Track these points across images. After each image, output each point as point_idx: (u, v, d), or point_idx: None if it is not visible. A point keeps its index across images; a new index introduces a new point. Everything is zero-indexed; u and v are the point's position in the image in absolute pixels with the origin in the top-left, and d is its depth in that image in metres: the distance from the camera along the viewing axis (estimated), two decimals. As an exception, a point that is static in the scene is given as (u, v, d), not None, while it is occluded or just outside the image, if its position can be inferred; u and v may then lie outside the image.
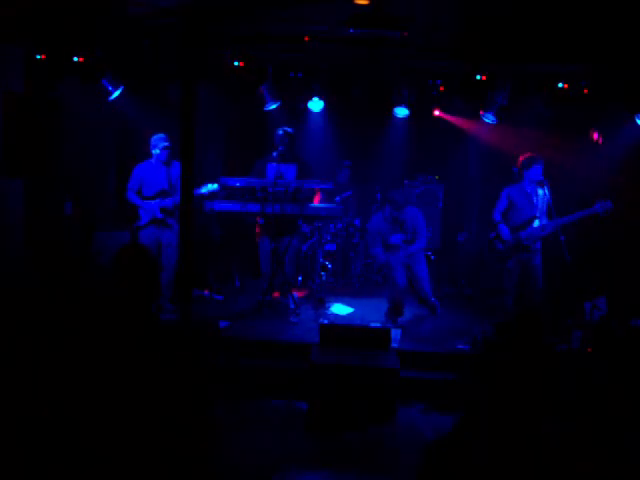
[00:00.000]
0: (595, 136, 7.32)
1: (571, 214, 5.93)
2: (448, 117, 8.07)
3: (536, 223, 6.15)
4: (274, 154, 6.45)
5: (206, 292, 7.18)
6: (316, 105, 7.32)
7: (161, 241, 6.34)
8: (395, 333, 5.78)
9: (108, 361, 2.42)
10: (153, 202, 6.32)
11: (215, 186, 6.30)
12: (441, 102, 7.57)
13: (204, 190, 6.28)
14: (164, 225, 6.34)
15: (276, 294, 6.76)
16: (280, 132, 6.49)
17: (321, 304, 6.89)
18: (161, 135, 6.35)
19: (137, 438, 2.37)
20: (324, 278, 7.47)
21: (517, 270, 6.29)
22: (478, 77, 6.43)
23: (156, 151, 6.31)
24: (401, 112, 7.31)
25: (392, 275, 6.43)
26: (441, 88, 6.92)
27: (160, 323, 2.61)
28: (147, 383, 2.43)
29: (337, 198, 7.83)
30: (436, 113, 7.98)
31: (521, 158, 6.24)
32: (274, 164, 6.36)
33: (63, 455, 2.34)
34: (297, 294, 6.89)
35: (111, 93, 6.79)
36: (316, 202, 6.38)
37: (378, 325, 5.94)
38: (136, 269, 2.55)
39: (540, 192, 6.16)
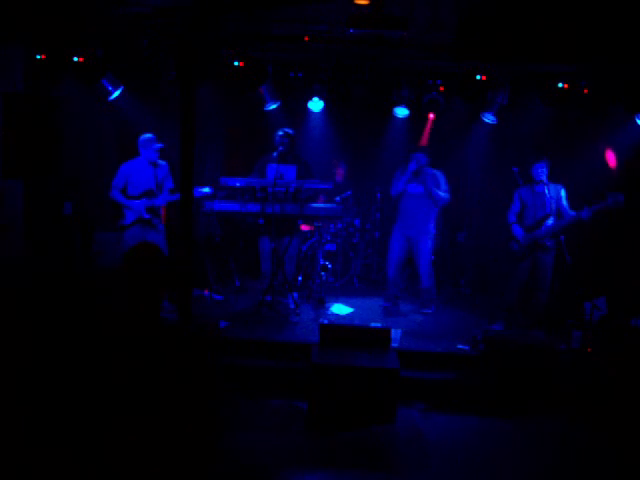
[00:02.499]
0: (610, 158, 7.25)
1: (582, 210, 5.91)
2: (426, 131, 8.25)
3: (550, 221, 6.13)
4: (274, 154, 6.45)
5: (206, 292, 7.18)
6: (316, 105, 7.32)
7: (146, 241, 6.22)
8: (395, 333, 5.79)
9: (111, 361, 2.42)
10: (139, 202, 6.20)
11: (207, 190, 6.25)
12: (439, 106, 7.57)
13: (196, 194, 6.21)
14: (150, 226, 6.23)
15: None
16: (280, 133, 6.49)
17: (321, 304, 6.90)
18: (151, 136, 6.22)
19: (141, 437, 2.37)
20: (324, 278, 7.47)
21: (529, 269, 6.27)
22: (478, 77, 6.43)
23: (147, 151, 6.18)
24: (401, 112, 7.32)
25: (389, 245, 6.98)
26: (441, 88, 6.92)
27: (164, 323, 2.61)
28: (150, 383, 2.43)
29: (337, 198, 7.84)
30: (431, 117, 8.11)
31: (528, 159, 6.29)
32: (274, 165, 6.36)
33: (66, 454, 2.34)
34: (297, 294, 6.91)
35: (111, 93, 6.79)
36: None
37: (378, 325, 5.95)
38: (149, 268, 2.54)
39: (553, 191, 6.14)
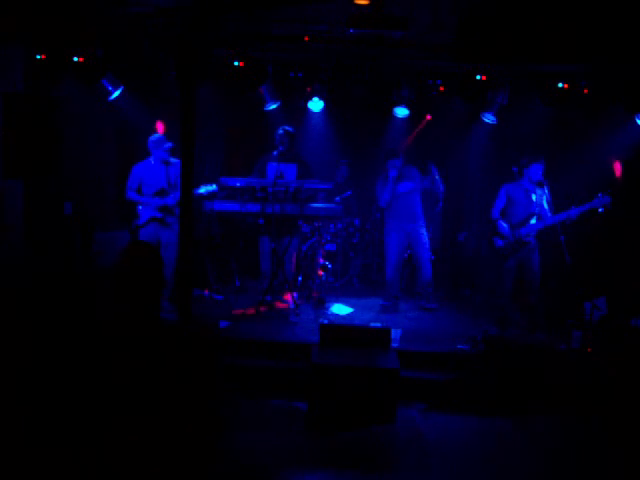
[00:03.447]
0: (617, 168, 7.25)
1: (569, 209, 5.93)
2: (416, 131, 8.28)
3: (534, 220, 6.16)
4: (274, 153, 6.46)
5: (206, 292, 7.18)
6: (316, 105, 7.32)
7: (160, 240, 6.29)
8: (395, 333, 5.79)
9: (111, 361, 2.42)
10: (152, 201, 6.27)
11: (213, 187, 6.31)
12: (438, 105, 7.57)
13: (202, 190, 6.27)
14: (163, 224, 6.30)
15: (278, 304, 6.78)
16: (280, 131, 6.50)
17: (321, 304, 6.89)
18: (161, 136, 6.32)
19: (141, 437, 2.37)
20: (324, 278, 7.47)
21: (515, 269, 6.30)
22: (478, 77, 6.43)
23: (158, 151, 6.27)
24: (401, 112, 7.31)
25: (387, 245, 6.97)
26: (441, 88, 6.92)
27: (164, 323, 2.61)
28: (150, 383, 2.43)
29: (337, 198, 7.84)
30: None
31: (522, 157, 6.30)
32: (274, 163, 6.37)
33: (66, 454, 2.34)
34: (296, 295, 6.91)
35: (111, 93, 6.80)
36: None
37: (378, 325, 5.94)
38: (144, 266, 2.54)
39: (539, 191, 6.18)
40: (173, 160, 6.33)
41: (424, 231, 6.95)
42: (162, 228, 6.31)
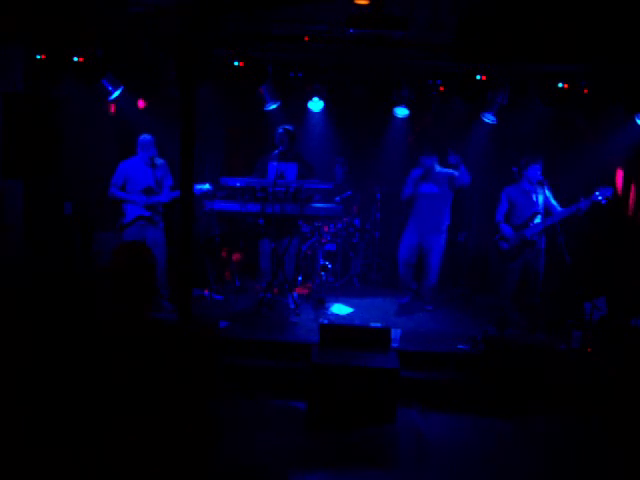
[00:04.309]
0: (619, 177, 7.25)
1: (572, 205, 5.94)
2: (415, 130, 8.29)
3: (538, 219, 6.17)
4: (275, 153, 6.46)
5: (206, 292, 7.18)
6: (316, 105, 7.32)
7: (146, 239, 6.18)
8: (395, 333, 5.79)
9: (111, 361, 2.42)
10: (140, 198, 6.22)
11: (206, 186, 6.29)
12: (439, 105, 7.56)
13: (196, 191, 6.25)
14: (150, 223, 6.25)
15: (275, 290, 6.80)
16: (280, 130, 6.51)
17: (321, 304, 6.89)
18: (150, 139, 6.28)
19: (141, 437, 2.37)
20: (324, 278, 7.47)
21: (520, 270, 6.30)
22: (478, 77, 6.43)
23: (143, 153, 6.27)
24: (401, 112, 7.31)
25: (400, 243, 7.03)
26: (441, 88, 6.92)
27: (165, 323, 2.61)
28: (150, 383, 2.43)
29: (337, 198, 7.83)
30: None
31: (521, 158, 6.31)
32: (275, 163, 6.37)
33: (66, 454, 2.34)
34: (297, 293, 6.91)
35: (111, 93, 6.80)
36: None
37: (378, 325, 5.94)
38: (136, 266, 2.55)
39: (540, 190, 6.19)
40: (159, 161, 6.31)
41: (441, 239, 6.88)
42: (148, 227, 6.24)
